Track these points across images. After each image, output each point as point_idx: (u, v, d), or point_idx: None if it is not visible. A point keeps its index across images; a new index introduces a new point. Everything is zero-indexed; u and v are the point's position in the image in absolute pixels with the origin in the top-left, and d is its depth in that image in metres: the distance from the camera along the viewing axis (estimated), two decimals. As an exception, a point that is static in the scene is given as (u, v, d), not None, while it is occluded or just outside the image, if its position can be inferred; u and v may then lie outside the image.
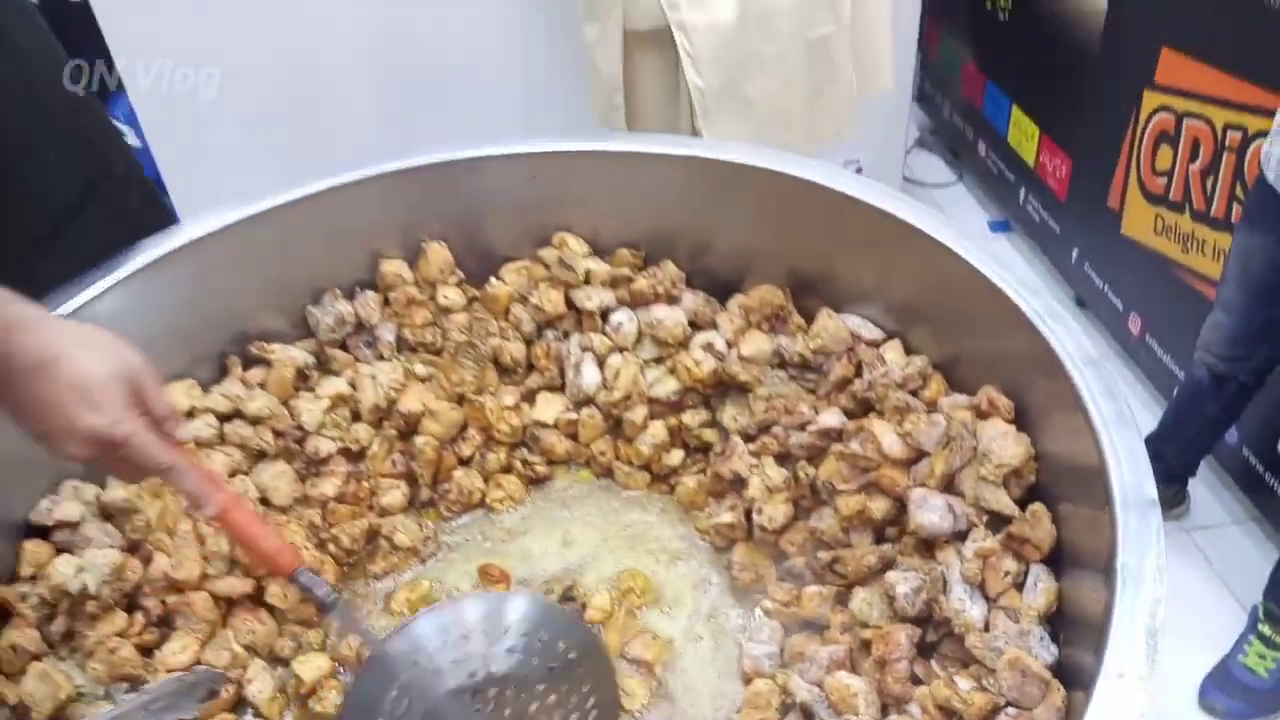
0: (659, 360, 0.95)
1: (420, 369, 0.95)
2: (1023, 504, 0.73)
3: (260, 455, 0.88)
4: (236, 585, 0.79)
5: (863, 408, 0.84)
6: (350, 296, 0.96)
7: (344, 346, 0.96)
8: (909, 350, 0.88)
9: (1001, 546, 0.71)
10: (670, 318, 0.94)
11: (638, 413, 0.92)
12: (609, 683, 0.73)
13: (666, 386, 0.93)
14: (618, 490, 0.94)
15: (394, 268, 0.97)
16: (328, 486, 0.88)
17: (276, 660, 0.78)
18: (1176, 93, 1.61)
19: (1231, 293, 1.35)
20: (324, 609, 0.71)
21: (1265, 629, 1.41)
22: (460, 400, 0.94)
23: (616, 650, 0.79)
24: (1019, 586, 0.70)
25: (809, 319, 0.92)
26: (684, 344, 0.94)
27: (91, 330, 0.64)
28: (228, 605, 0.79)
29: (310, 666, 0.77)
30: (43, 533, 0.79)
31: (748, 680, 0.76)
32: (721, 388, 0.93)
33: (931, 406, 0.81)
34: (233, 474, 0.86)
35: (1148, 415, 1.71)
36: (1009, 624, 0.67)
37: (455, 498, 0.91)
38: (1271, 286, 1.28)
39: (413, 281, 0.97)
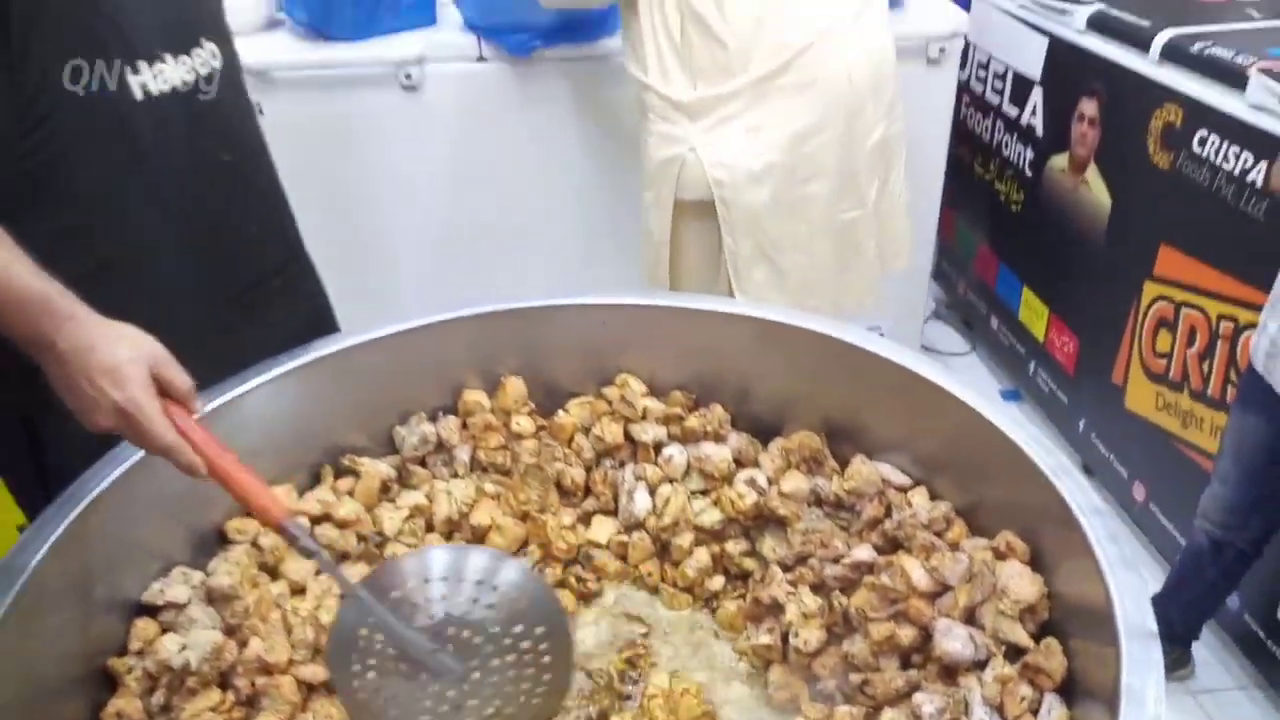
0: (705, 492, 1.05)
1: (490, 487, 1.05)
2: (1037, 638, 0.81)
3: (344, 556, 0.97)
4: (318, 673, 0.87)
5: (892, 545, 0.93)
6: (433, 420, 1.08)
7: (424, 463, 1.07)
8: (934, 496, 0.98)
9: (1018, 675, 0.79)
10: (717, 454, 1.05)
11: (684, 538, 1.02)
12: (566, 659, 0.82)
13: (711, 516, 1.03)
14: (662, 609, 1.02)
15: (474, 397, 1.08)
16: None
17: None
18: (1174, 285, 1.77)
19: (1227, 466, 1.45)
20: (307, 555, 0.80)
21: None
22: (524, 517, 1.03)
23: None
24: (1034, 712, 0.78)
25: (843, 464, 1.03)
26: (729, 479, 1.04)
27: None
28: (308, 690, 0.87)
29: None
30: (152, 612, 0.87)
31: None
32: (761, 520, 1.02)
33: (954, 547, 0.91)
34: (319, 571, 0.95)
35: (1151, 579, 1.78)
36: (1026, 745, 0.74)
37: (515, 607, 0.99)
38: (1263, 462, 1.39)
39: (490, 410, 1.08)
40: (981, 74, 2.46)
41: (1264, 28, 1.76)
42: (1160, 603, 1.62)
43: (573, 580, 1.03)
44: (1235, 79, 1.56)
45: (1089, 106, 2.00)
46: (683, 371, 1.12)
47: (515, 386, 1.09)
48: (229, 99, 1.09)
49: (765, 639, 0.93)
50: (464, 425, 1.08)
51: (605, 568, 1.03)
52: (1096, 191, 2.01)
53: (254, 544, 0.94)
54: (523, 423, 1.08)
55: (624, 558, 1.04)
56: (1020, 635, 0.81)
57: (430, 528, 1.02)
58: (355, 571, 0.95)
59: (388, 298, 2.04)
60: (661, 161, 1.56)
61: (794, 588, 0.95)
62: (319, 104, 1.90)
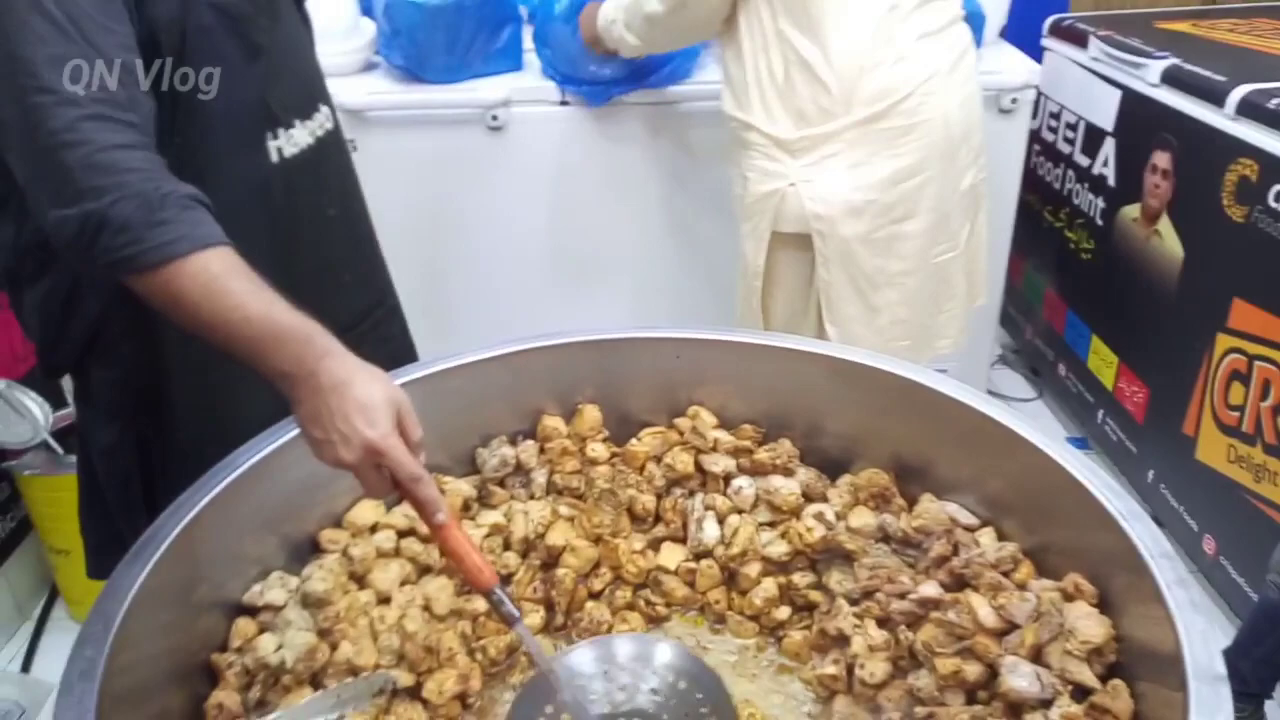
0: (773, 524, 1.08)
1: (565, 510, 1.09)
2: (1103, 679, 0.82)
3: (426, 569, 1.02)
4: (402, 678, 0.91)
5: (958, 583, 0.95)
6: (514, 443, 1.13)
7: (502, 484, 1.12)
8: (1001, 537, 0.99)
9: (1084, 714, 0.80)
10: (786, 487, 1.08)
11: (752, 568, 1.05)
12: None
13: (778, 548, 1.05)
14: (729, 638, 1.05)
15: (553, 423, 1.13)
16: (480, 603, 1.01)
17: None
18: (1248, 338, 1.75)
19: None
20: (509, 623, 0.86)
21: None
22: (597, 540, 1.07)
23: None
24: (1100, 752, 0.79)
25: (910, 502, 1.05)
26: (797, 512, 1.07)
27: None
28: (391, 694, 0.91)
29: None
30: (252, 612, 0.93)
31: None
32: (828, 554, 1.05)
33: (1022, 587, 0.92)
34: (404, 583, 1.00)
35: (1221, 634, 1.74)
36: (1091, 782, 0.75)
37: (586, 625, 1.03)
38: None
39: (567, 435, 1.13)
40: (1053, 124, 2.47)
41: (1342, 84, 1.75)
42: (1232, 657, 1.59)
43: (642, 604, 1.06)
44: (1312, 135, 1.56)
45: (1162, 159, 2.00)
46: (753, 405, 1.16)
47: (591, 414, 1.14)
48: (336, 155, 1.19)
49: (831, 669, 0.95)
50: (541, 450, 1.13)
51: (674, 593, 1.06)
52: (1169, 243, 2.00)
53: (345, 553, 1.00)
54: (597, 449, 1.12)
55: (692, 584, 1.07)
56: (1087, 676, 0.82)
57: (508, 546, 1.07)
58: (438, 584, 1.00)
59: (473, 325, 2.13)
60: (761, 195, 1.61)
61: (860, 621, 0.97)
62: (409, 141, 1.99)
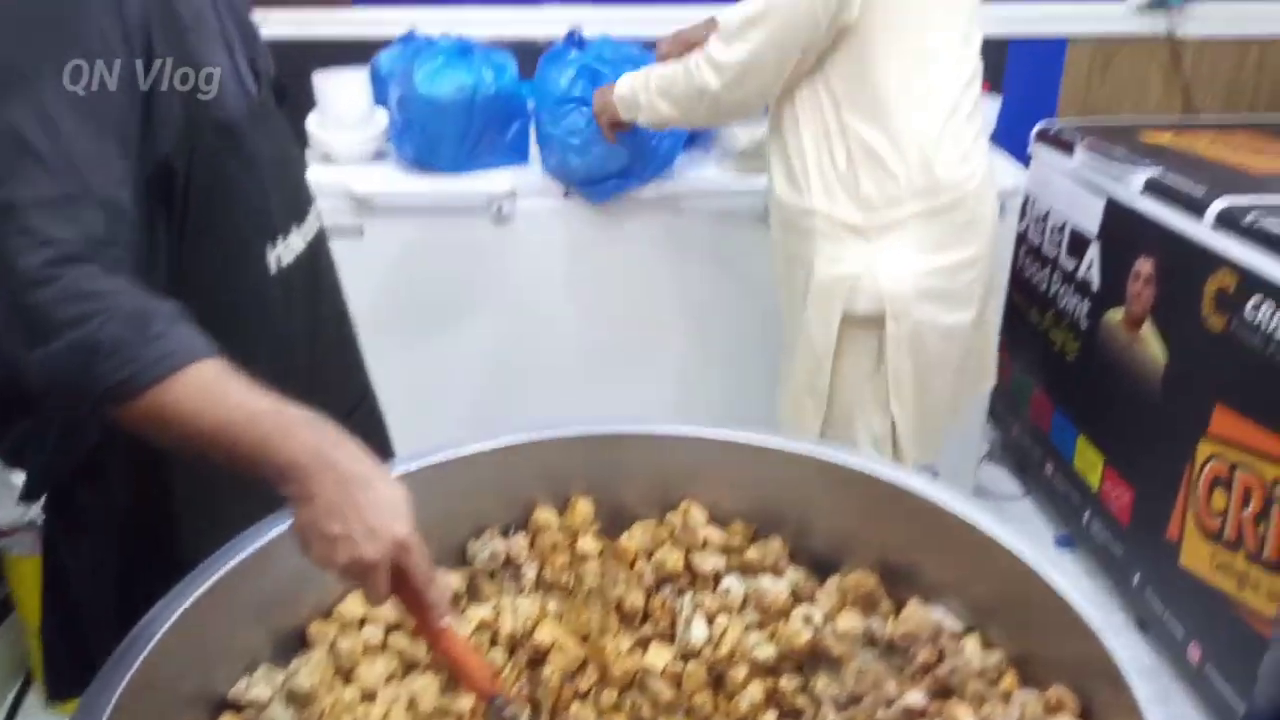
0: (761, 625, 1.09)
1: (553, 606, 1.10)
2: (1087, 794, 0.83)
3: (413, 665, 1.02)
4: (385, 775, 0.91)
5: (944, 691, 0.96)
6: (506, 535, 1.14)
7: (492, 576, 1.12)
8: (987, 643, 1.00)
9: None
10: (775, 588, 1.09)
11: (739, 670, 1.05)
12: None
13: (766, 651, 1.06)
14: (714, 741, 1.04)
15: (545, 516, 1.15)
16: (465, 702, 1.01)
17: None
18: (1229, 444, 1.78)
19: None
20: None
21: None
22: (584, 639, 1.08)
23: None
24: None
25: (899, 603, 1.06)
26: (785, 614, 1.08)
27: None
28: (374, 792, 0.91)
29: None
30: (236, 708, 0.93)
31: None
32: (815, 658, 1.05)
33: (1006, 698, 0.93)
34: (389, 678, 1.00)
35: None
36: None
37: (572, 726, 1.03)
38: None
39: (558, 529, 1.14)
40: (1040, 226, 2.55)
41: (1315, 202, 1.82)
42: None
43: (628, 705, 1.06)
44: (1286, 251, 1.62)
45: (1145, 266, 2.07)
46: (744, 502, 1.17)
47: (584, 507, 1.15)
48: (325, 254, 1.20)
49: (816, 776, 0.95)
50: (532, 543, 1.14)
51: (660, 695, 1.06)
52: (1152, 347, 2.04)
53: (332, 647, 1.00)
54: (589, 544, 1.13)
55: (679, 685, 1.07)
56: (1069, 791, 0.82)
57: (494, 641, 1.07)
58: (423, 682, 1.00)
59: (471, 414, 2.15)
60: (833, 279, 1.64)
61: (845, 726, 0.97)
62: (414, 229, 2.05)
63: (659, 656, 1.08)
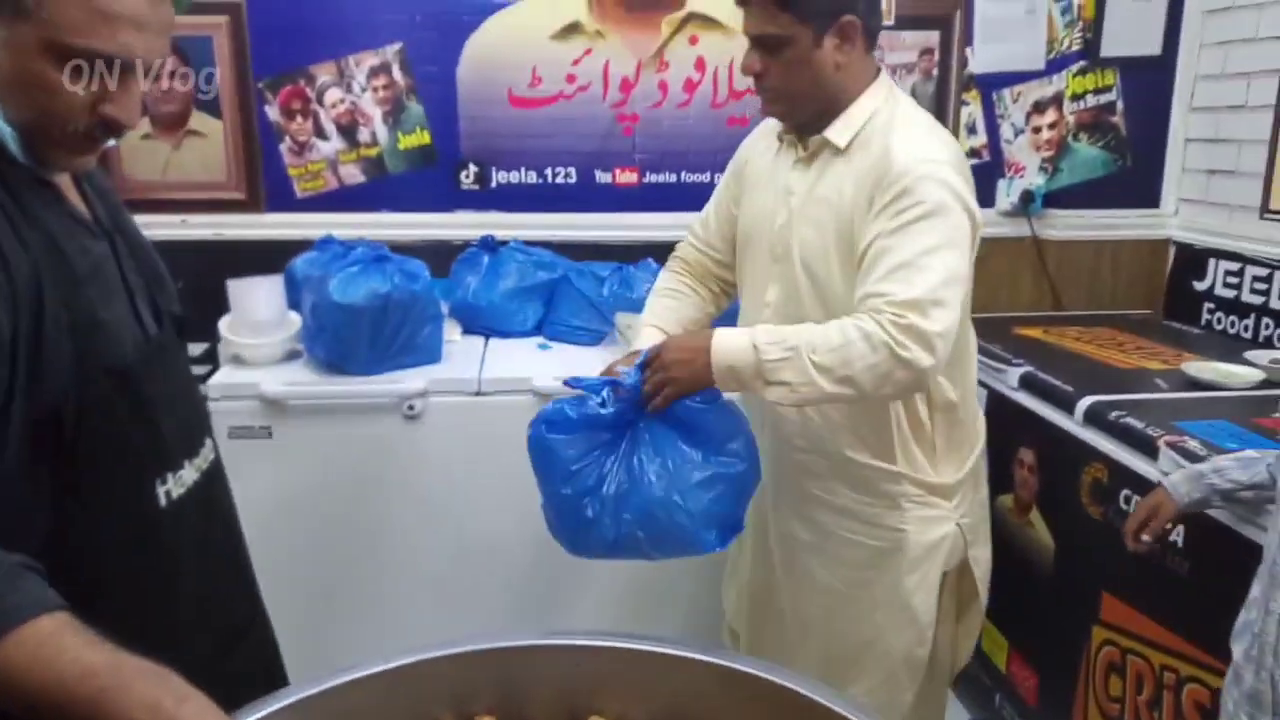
0: (670, 847, 1.07)
1: (456, 836, 1.06)
2: None
3: None
4: None
5: None
6: (408, 760, 1.10)
7: (394, 807, 1.08)
8: None
9: None
10: (683, 808, 1.07)
11: None
12: None
13: None
14: None
15: (449, 737, 1.12)
16: None
17: None
18: (1119, 631, 1.85)
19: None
20: None
21: None
22: None
23: None
24: None
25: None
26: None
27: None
28: None
29: None
30: None
31: None
32: None
33: None
34: None
35: None
36: None
37: None
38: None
39: (463, 751, 1.12)
40: (931, 414, 2.69)
41: (1170, 399, 1.99)
42: None
43: None
44: (1148, 448, 1.75)
45: (1027, 455, 2.20)
46: (652, 712, 1.17)
47: (490, 727, 1.13)
48: (219, 482, 1.19)
49: None
50: (437, 767, 1.11)
51: None
52: (1041, 534, 2.15)
53: None
54: (494, 766, 1.11)
55: None
56: None
57: None
58: None
59: (376, 622, 2.10)
60: (930, 544, 1.60)
61: None
62: (325, 429, 2.06)
63: None
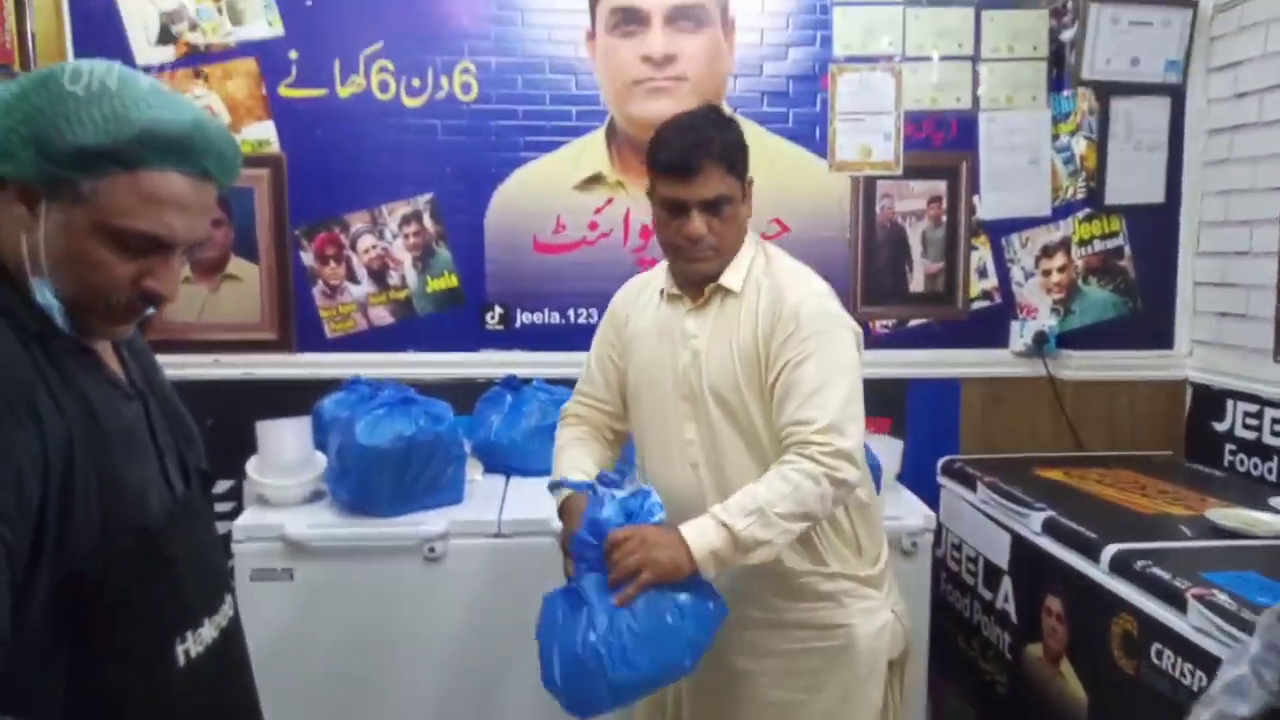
0: None
1: None
2: None
3: None
4: None
5: None
6: None
7: None
8: None
9: None
10: None
11: None
12: None
13: None
14: None
15: None
16: None
17: None
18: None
19: None
20: None
21: None
22: None
23: None
24: None
25: None
26: None
27: None
28: None
29: None
30: None
31: None
32: None
33: None
34: None
35: None
36: None
37: None
38: None
39: None
40: (956, 555, 2.66)
41: (1196, 548, 1.96)
42: None
43: None
44: (1177, 600, 1.72)
45: (1055, 604, 2.16)
46: None
47: None
48: (237, 638, 1.18)
49: None
50: None
51: None
52: (1072, 686, 2.08)
53: None
54: None
55: None
56: None
57: None
58: None
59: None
60: (874, 633, 1.69)
61: None
62: (346, 571, 2.07)
63: None
